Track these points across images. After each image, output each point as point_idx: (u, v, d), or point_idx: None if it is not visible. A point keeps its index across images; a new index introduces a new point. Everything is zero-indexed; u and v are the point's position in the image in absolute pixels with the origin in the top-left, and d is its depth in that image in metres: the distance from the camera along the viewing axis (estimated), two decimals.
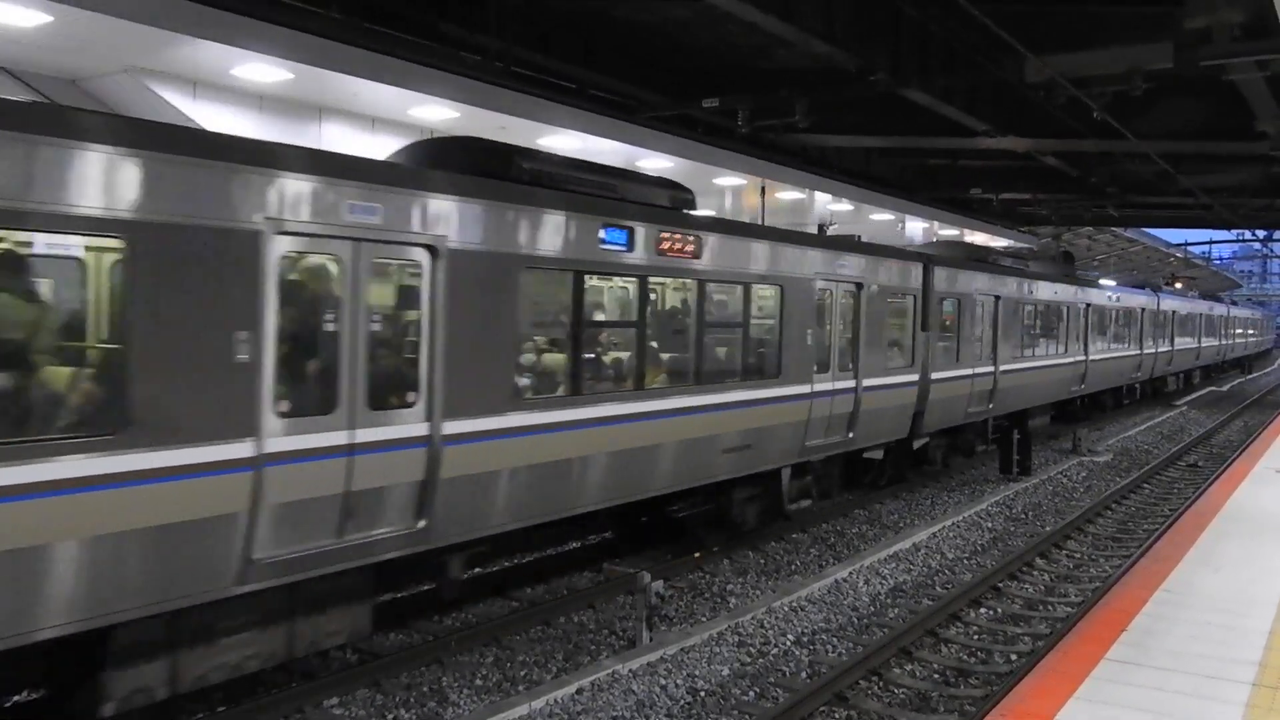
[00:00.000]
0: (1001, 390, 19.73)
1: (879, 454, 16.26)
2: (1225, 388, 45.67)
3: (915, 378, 16.26)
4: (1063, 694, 6.76)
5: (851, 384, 14.21)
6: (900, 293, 15.89)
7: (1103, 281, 30.14)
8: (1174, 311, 37.36)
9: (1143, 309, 32.61)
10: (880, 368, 14.94)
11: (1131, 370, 31.71)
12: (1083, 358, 25.69)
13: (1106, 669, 7.24)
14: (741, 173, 17.21)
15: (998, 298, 19.56)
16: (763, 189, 18.39)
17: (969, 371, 18.34)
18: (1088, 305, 25.90)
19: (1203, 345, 44.09)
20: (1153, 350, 34.07)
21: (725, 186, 18.65)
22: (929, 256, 17.25)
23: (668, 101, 15.52)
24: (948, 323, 17.86)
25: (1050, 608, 11.42)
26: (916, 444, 17.31)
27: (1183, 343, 39.28)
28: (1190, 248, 50.80)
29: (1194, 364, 43.16)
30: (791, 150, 18.71)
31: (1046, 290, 22.83)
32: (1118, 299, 29.83)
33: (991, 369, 19.27)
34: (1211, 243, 53.91)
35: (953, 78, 14.59)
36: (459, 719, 7.97)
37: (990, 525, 15.37)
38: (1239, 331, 57.36)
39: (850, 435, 14.29)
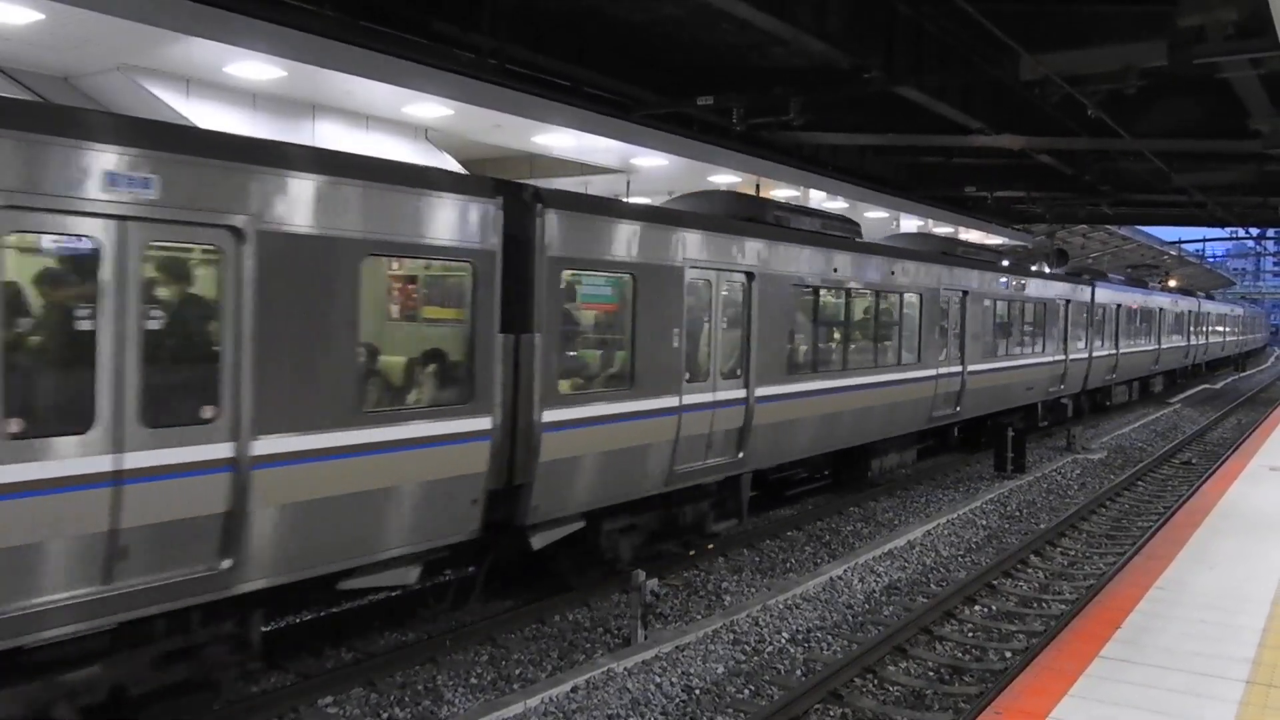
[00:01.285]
0: (766, 428, 12.47)
1: (409, 577, 8.58)
2: (1219, 385, 45.77)
3: (482, 425, 8.57)
4: (1057, 691, 6.77)
5: (223, 452, 6.83)
6: (418, 253, 8.33)
7: (1004, 264, 22.25)
8: (1119, 305, 29.58)
9: (1066, 301, 24.58)
10: (338, 412, 7.54)
11: (1049, 382, 23.70)
12: (957, 369, 18.03)
13: (1101, 666, 7.25)
14: (737, 170, 17.21)
15: (751, 276, 12.16)
16: (757, 187, 18.38)
17: (672, 403, 10.82)
18: (965, 294, 18.53)
19: (1163, 347, 36.13)
20: (1083, 355, 26.15)
21: (720, 185, 18.64)
22: (529, 192, 9.33)
23: (662, 99, 15.51)
24: (593, 319, 10.83)
25: (1045, 605, 11.44)
26: (538, 541, 9.71)
27: (1132, 344, 31.62)
28: (1184, 245, 50.92)
29: (1150, 370, 35.22)
30: (786, 148, 18.71)
31: (871, 270, 15.26)
32: (1022, 287, 21.78)
33: (741, 394, 12.00)
34: (1205, 240, 54.01)
35: (947, 75, 14.60)
36: (454, 718, 7.97)
37: (985, 523, 15.40)
38: (1215, 329, 49.65)
39: (227, 564, 6.86)
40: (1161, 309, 35.99)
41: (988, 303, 19.83)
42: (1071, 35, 12.61)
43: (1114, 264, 43.90)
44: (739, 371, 12.08)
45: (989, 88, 16.06)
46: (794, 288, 13.20)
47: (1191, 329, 42.12)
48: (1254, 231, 43.17)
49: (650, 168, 16.50)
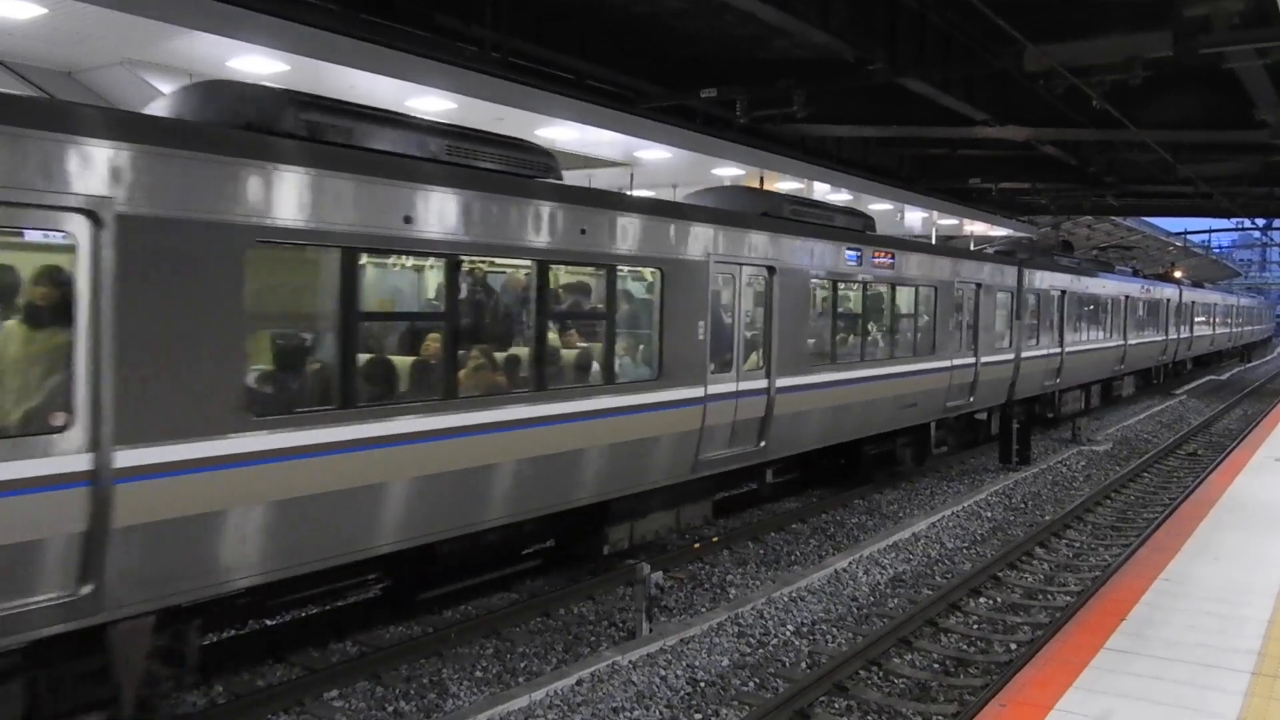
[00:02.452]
0: (216, 523, 6.71)
1: None
2: (1225, 377, 45.70)
3: None
4: (1062, 683, 6.77)
5: None
6: None
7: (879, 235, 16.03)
8: (1063, 292, 23.60)
9: (978, 287, 18.46)
10: None
11: (948, 395, 17.52)
12: (757, 386, 12.13)
13: (1106, 658, 7.25)
14: (740, 163, 17.18)
15: (97, 224, 5.99)
16: (761, 180, 18.35)
17: None
18: (772, 272, 12.33)
19: (1130, 343, 30.12)
20: (1007, 357, 20.01)
21: (724, 177, 18.63)
22: None
23: (665, 92, 15.49)
24: None
25: (1050, 597, 11.44)
26: None
27: (1084, 341, 25.60)
28: (1189, 236, 50.87)
29: (1114, 371, 29.41)
30: (790, 141, 18.68)
31: (522, 228, 9.00)
32: (893, 264, 15.44)
33: (95, 464, 6.03)
34: (1211, 231, 53.94)
35: (951, 67, 14.56)
36: (459, 711, 7.98)
37: (990, 515, 15.38)
38: (1202, 321, 43.68)
39: None
40: (1128, 297, 29.99)
41: (821, 285, 13.71)
42: (1076, 26, 12.57)
43: (1117, 255, 43.69)
44: (57, 421, 5.95)
45: (993, 79, 16.00)
46: (225, 249, 6.72)
47: (1171, 321, 36.52)
48: (1260, 222, 43.07)
49: (653, 161, 16.49)
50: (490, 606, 10.36)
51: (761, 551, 12.93)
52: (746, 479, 14.51)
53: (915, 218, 24.77)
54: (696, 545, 12.69)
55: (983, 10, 11.17)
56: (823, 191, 20.18)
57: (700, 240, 11.22)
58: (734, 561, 12.39)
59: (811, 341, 13.52)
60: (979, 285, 18.62)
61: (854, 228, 14.94)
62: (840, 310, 14.43)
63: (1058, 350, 23.30)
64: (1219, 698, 6.61)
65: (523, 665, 8.97)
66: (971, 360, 18.33)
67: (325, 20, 10.40)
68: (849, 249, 14.29)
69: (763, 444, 12.38)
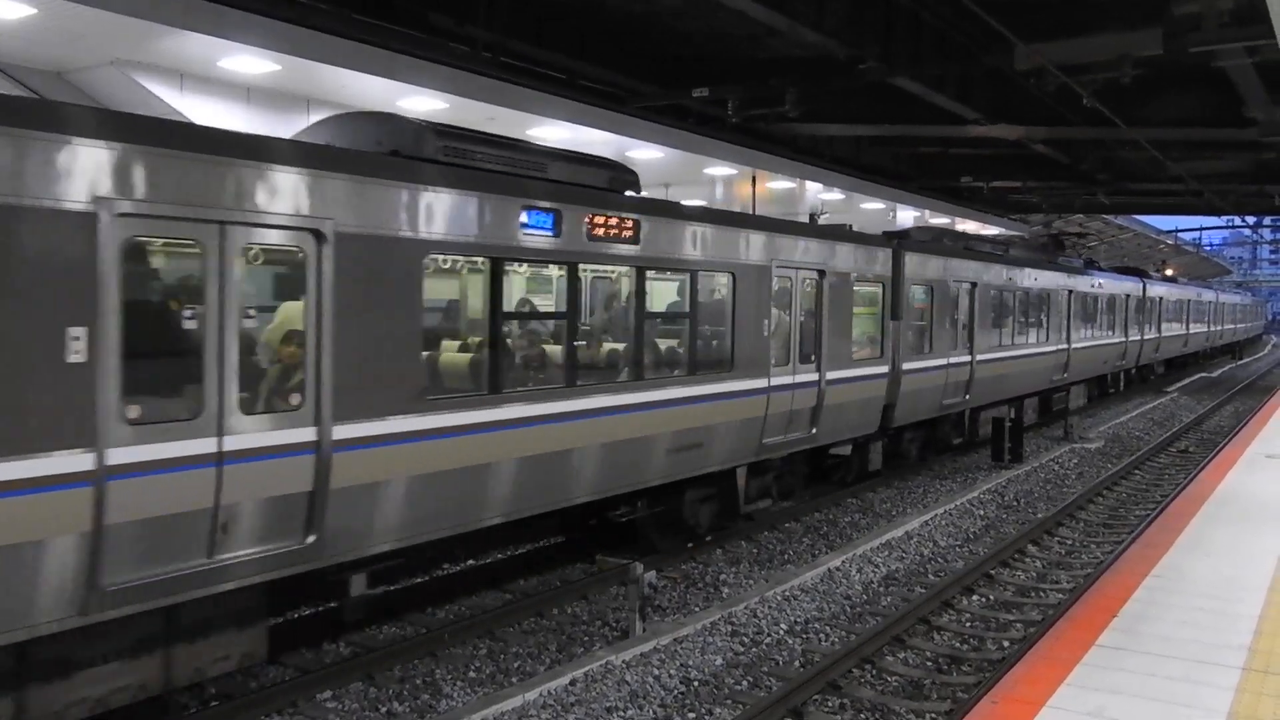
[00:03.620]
0: None
1: None
2: (1216, 374, 45.85)
3: None
4: (1054, 680, 6.79)
5: None
6: None
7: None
8: (971, 286, 18.55)
9: (821, 274, 13.47)
10: None
11: (764, 429, 12.39)
12: (300, 439, 7.14)
13: (1098, 655, 7.27)
14: (733, 163, 17.20)
15: None
16: (754, 179, 18.37)
17: None
18: (321, 243, 7.19)
19: (1074, 347, 25.10)
20: (873, 371, 15.05)
21: (716, 176, 18.64)
22: None
23: (659, 91, 15.52)
24: None
25: (1042, 594, 11.46)
26: None
27: (1006, 347, 20.40)
28: (1180, 234, 51.05)
29: (1053, 381, 23.98)
30: (783, 139, 18.72)
31: None
32: (630, 237, 10.03)
33: None
34: (1202, 229, 54.13)
35: (944, 66, 14.61)
36: (453, 711, 7.97)
37: (982, 513, 15.41)
38: (1172, 319, 38.52)
39: None
40: (1072, 292, 24.99)
41: (462, 268, 9.39)
42: (1067, 24, 12.63)
43: (1110, 253, 43.79)
44: None
45: (987, 78, 16.06)
46: None
47: (1132, 319, 31.59)
48: (1250, 220, 43.21)
49: (645, 160, 16.50)
50: (483, 606, 10.35)
51: (755, 551, 12.94)
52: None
53: (907, 216, 24.82)
54: (690, 545, 12.69)
55: (975, 9, 11.22)
56: (815, 189, 20.18)
57: (73, 172, 5.90)
58: (727, 561, 12.40)
59: (437, 359, 8.90)
60: (821, 273, 13.52)
61: (592, 183, 9.94)
62: (512, 309, 9.41)
63: (965, 359, 18.28)
64: (1211, 693, 6.63)
65: (516, 665, 8.97)
66: (812, 377, 13.35)
67: (317, 20, 10.40)
68: (531, 210, 8.94)
69: (312, 538, 7.28)
